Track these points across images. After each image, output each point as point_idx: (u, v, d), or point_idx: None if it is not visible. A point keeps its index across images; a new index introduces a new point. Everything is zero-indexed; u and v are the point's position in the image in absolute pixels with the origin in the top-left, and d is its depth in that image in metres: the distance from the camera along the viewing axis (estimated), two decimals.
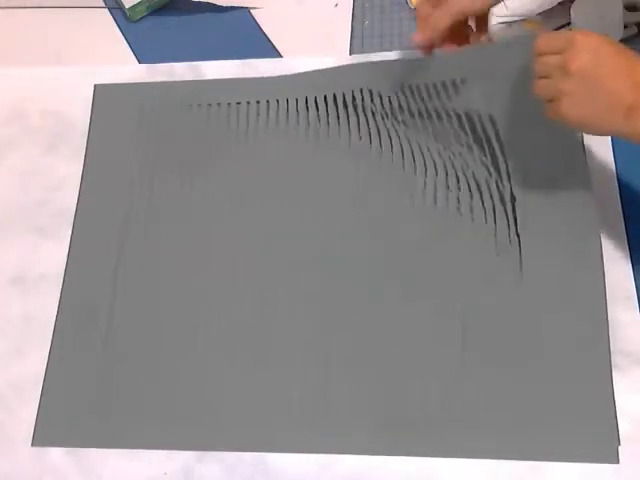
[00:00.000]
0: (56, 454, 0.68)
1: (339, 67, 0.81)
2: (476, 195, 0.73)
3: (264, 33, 0.88)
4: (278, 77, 0.83)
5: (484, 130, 0.73)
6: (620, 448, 0.62)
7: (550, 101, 0.61)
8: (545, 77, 0.61)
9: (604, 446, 0.62)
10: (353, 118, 0.79)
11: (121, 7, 0.91)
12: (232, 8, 0.90)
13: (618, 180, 0.73)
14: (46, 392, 0.71)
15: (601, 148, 0.75)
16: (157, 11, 0.92)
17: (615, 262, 0.69)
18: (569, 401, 0.64)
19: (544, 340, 0.66)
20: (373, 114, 0.78)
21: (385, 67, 0.79)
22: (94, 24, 0.92)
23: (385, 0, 0.88)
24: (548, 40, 0.61)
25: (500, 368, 0.66)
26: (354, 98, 0.79)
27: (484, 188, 0.73)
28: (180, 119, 0.83)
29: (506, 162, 0.72)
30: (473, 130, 0.74)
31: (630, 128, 0.58)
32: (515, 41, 0.71)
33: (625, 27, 0.78)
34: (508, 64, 0.70)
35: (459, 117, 0.74)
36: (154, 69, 0.87)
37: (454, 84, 0.74)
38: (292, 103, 0.81)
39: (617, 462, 0.62)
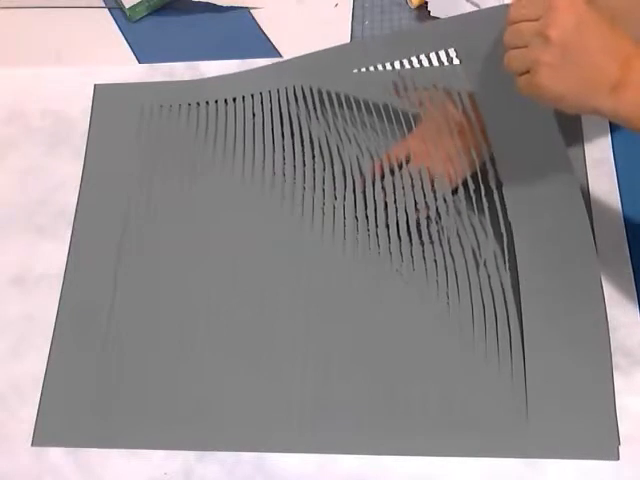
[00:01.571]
0: (56, 454, 0.68)
1: (332, 49, 0.79)
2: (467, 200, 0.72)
3: (264, 33, 0.88)
4: (276, 64, 0.82)
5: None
6: (620, 448, 0.62)
7: (524, 74, 0.55)
8: (518, 47, 0.55)
9: (604, 444, 0.62)
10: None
11: (121, 7, 0.91)
12: (232, 8, 0.90)
13: (618, 180, 0.73)
14: (46, 392, 0.71)
15: (600, 148, 0.75)
16: (157, 11, 0.92)
17: (615, 263, 0.69)
18: (570, 400, 0.64)
19: (544, 340, 0.66)
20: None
21: (365, 45, 0.79)
22: (94, 24, 0.92)
23: (385, 0, 0.88)
24: (521, 6, 0.55)
25: (499, 368, 0.66)
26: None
27: (471, 185, 0.72)
28: (180, 119, 0.83)
29: (492, 156, 0.71)
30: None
31: (611, 106, 0.54)
32: (488, 11, 0.68)
33: None
34: (483, 36, 0.66)
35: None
36: (154, 69, 0.87)
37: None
38: (288, 91, 0.80)
39: (617, 459, 0.62)
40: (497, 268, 0.69)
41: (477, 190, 0.71)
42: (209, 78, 0.85)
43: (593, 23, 0.54)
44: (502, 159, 0.71)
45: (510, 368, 0.66)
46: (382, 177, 0.74)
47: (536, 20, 0.54)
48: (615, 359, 0.65)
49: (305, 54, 0.80)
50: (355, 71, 0.77)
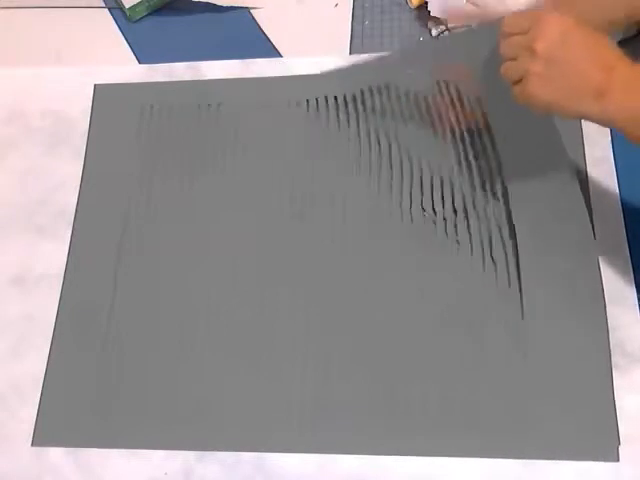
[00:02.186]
0: (56, 454, 0.68)
1: (338, 69, 0.81)
2: (469, 200, 0.73)
3: (264, 33, 0.88)
4: (278, 78, 0.83)
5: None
6: (620, 448, 0.62)
7: (517, 83, 0.59)
8: (512, 59, 0.60)
9: (604, 445, 0.62)
10: (353, 119, 0.79)
11: (121, 7, 0.91)
12: (232, 8, 0.90)
13: (618, 179, 0.73)
14: (46, 392, 0.71)
15: (600, 146, 0.75)
16: (157, 11, 0.92)
17: (615, 262, 0.69)
18: (569, 401, 0.64)
19: (544, 340, 0.66)
20: (368, 114, 0.78)
21: (370, 64, 0.80)
22: (94, 24, 0.92)
23: (385, 0, 0.88)
24: (513, 20, 0.61)
25: (500, 368, 0.66)
26: (354, 98, 0.79)
27: (478, 190, 0.73)
28: (180, 119, 0.83)
29: (497, 157, 0.72)
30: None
31: (599, 111, 0.57)
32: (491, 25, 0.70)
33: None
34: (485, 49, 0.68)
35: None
36: (154, 69, 0.87)
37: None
38: (292, 104, 0.81)
39: (617, 460, 0.62)
40: (507, 266, 0.70)
41: (485, 196, 0.72)
42: (210, 80, 0.85)
43: (577, 34, 0.58)
44: (508, 166, 0.72)
45: (510, 369, 0.66)
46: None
47: (525, 33, 0.59)
48: (614, 359, 0.65)
49: (312, 74, 0.81)
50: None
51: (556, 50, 0.57)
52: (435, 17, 0.83)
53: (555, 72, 0.57)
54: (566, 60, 0.57)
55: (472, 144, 0.74)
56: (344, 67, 0.81)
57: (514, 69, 0.59)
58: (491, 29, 0.66)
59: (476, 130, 0.74)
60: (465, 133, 0.75)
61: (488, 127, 0.73)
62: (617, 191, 0.73)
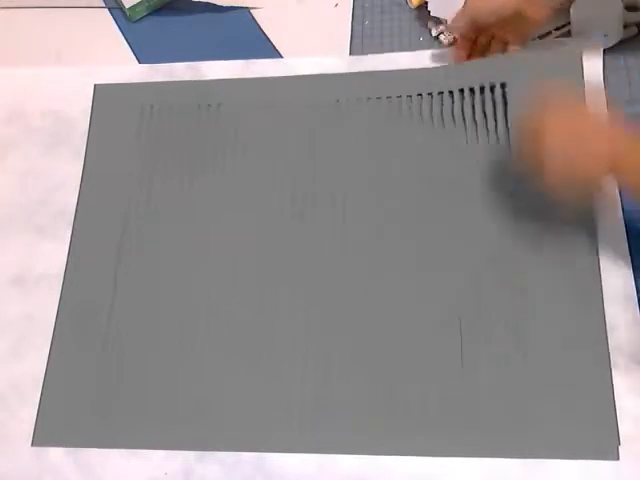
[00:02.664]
0: (56, 454, 0.68)
1: (341, 74, 0.82)
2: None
3: (264, 33, 0.88)
4: (279, 78, 0.83)
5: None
6: (620, 448, 0.62)
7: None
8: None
9: (604, 444, 0.63)
10: (349, 121, 0.79)
11: (121, 7, 0.91)
12: (232, 8, 0.90)
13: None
14: (46, 392, 0.71)
15: None
16: (157, 11, 0.92)
17: (615, 262, 0.69)
18: (569, 400, 0.64)
19: (544, 340, 0.66)
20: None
21: (388, 76, 0.81)
22: (94, 24, 0.92)
23: (385, 0, 0.88)
24: (526, 113, 0.66)
25: (500, 368, 0.66)
26: (357, 101, 0.80)
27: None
28: (180, 119, 0.83)
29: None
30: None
31: (612, 182, 0.65)
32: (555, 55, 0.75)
33: (625, 27, 0.78)
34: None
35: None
36: (154, 69, 0.87)
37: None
38: (292, 105, 0.81)
39: (617, 459, 0.62)
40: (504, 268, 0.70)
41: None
42: (210, 80, 0.85)
43: (578, 126, 0.63)
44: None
45: (510, 369, 0.66)
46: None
47: (534, 126, 0.64)
48: (614, 359, 0.65)
49: (313, 74, 0.82)
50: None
51: (560, 146, 0.62)
52: (435, 17, 0.83)
53: (563, 165, 0.62)
54: (571, 154, 0.62)
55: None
56: (348, 74, 0.82)
57: (531, 159, 0.64)
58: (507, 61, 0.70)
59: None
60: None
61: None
62: (617, 193, 0.72)
